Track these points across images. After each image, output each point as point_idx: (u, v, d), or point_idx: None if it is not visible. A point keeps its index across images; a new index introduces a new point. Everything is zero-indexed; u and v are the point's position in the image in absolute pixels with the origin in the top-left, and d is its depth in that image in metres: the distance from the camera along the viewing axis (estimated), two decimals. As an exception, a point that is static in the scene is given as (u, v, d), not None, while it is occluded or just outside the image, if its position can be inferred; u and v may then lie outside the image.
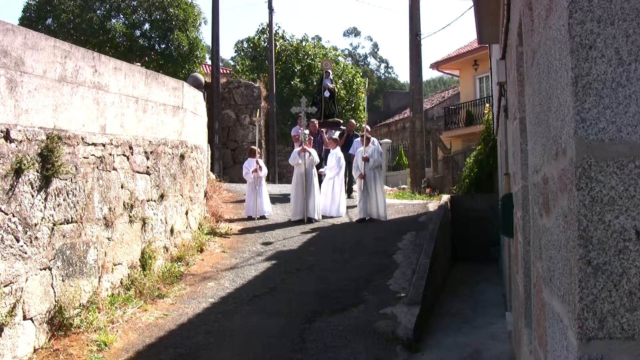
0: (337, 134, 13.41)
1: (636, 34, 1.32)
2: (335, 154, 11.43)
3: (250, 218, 10.79)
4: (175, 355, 5.20)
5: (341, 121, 15.02)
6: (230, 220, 10.49)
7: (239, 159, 17.98)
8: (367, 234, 9.58)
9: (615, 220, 1.31)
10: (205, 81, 15.97)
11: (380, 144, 12.52)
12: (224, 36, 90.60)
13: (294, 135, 12.30)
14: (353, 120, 14.23)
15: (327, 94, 14.58)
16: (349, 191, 13.01)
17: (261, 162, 11.25)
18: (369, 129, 11.30)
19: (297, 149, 11.11)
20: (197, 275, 7.57)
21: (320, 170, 11.65)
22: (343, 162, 11.40)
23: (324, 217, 10.96)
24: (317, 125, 12.90)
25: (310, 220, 10.55)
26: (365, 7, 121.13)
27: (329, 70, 15.40)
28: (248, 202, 10.95)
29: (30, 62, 4.95)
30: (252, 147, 11.54)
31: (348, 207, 11.65)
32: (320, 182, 11.37)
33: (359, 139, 11.53)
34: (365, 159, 10.48)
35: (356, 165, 10.71)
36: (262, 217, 10.85)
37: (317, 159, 11.10)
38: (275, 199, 12.51)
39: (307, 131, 11.34)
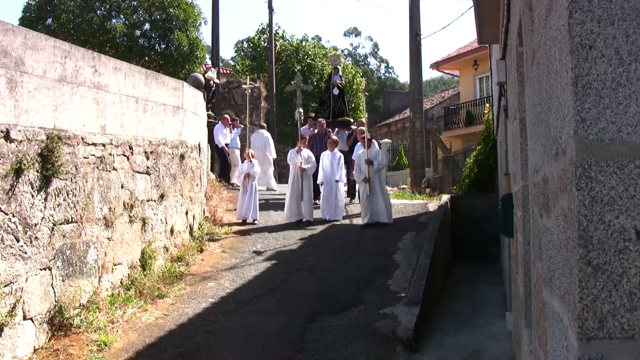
0: (347, 134, 12.77)
1: (636, 34, 1.32)
2: (332, 155, 10.81)
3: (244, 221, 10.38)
4: (176, 355, 5.20)
5: (352, 120, 14.05)
6: (230, 222, 10.47)
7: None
8: (367, 234, 9.56)
9: (615, 220, 1.31)
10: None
11: (380, 145, 12.35)
12: (224, 36, 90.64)
13: (302, 135, 11.59)
14: (364, 120, 13.75)
15: (335, 91, 13.50)
16: (352, 195, 12.46)
17: (254, 160, 10.66)
18: (365, 129, 10.69)
19: (294, 149, 10.94)
20: (197, 275, 7.57)
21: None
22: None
23: (325, 220, 10.62)
24: (324, 125, 12.22)
25: (309, 222, 10.42)
26: (365, 7, 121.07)
27: (338, 66, 14.31)
28: (239, 205, 10.45)
29: (30, 62, 4.95)
30: (249, 149, 11.16)
31: (354, 214, 11.37)
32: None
33: (360, 143, 10.88)
34: (369, 162, 9.96)
35: (358, 169, 10.17)
36: (253, 222, 10.37)
37: (313, 168, 10.62)
38: (274, 199, 12.50)
39: (304, 127, 11.03)
